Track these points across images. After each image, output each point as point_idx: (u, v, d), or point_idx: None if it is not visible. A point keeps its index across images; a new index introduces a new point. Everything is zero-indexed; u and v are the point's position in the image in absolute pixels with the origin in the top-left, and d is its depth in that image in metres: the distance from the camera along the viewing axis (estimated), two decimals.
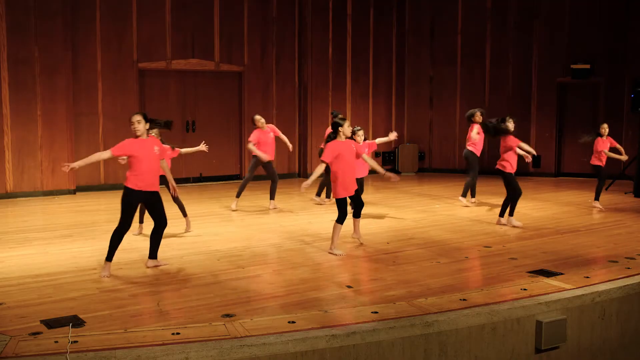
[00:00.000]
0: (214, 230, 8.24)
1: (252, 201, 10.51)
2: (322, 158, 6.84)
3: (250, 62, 13.66)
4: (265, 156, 9.68)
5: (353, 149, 6.99)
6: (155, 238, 6.20)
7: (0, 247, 7.19)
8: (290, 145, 10.41)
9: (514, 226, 8.35)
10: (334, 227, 6.82)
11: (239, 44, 13.51)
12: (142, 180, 5.96)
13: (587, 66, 13.79)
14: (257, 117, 9.88)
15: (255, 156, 9.78)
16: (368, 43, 15.01)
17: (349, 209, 7.11)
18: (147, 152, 6.00)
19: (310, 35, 14.12)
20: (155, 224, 6.19)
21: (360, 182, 8.46)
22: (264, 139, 9.74)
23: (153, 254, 6.25)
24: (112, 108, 12.12)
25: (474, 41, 15.01)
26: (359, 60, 14.89)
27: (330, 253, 6.80)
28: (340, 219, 6.80)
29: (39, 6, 11.13)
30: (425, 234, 7.87)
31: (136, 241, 7.39)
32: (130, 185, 5.92)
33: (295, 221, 8.84)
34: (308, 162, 14.34)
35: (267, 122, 9.69)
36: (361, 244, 7.26)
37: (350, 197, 6.97)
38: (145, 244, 6.62)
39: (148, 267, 6.19)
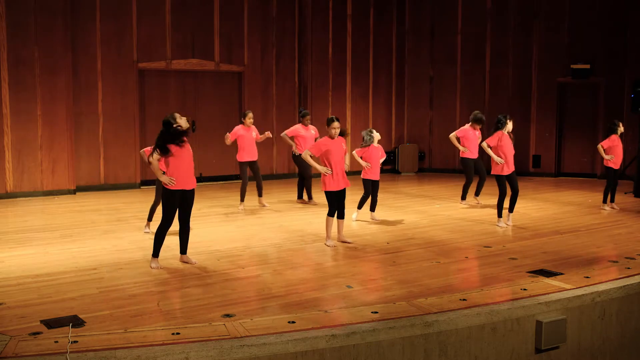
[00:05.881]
0: (214, 230, 8.24)
1: (253, 201, 10.50)
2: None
3: (250, 62, 13.66)
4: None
5: (343, 147, 7.31)
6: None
7: (0, 247, 7.19)
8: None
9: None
10: (326, 220, 7.27)
11: (239, 44, 13.50)
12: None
13: (587, 66, 13.80)
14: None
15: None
16: (368, 43, 15.01)
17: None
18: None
19: (310, 35, 14.12)
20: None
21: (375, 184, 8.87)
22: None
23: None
24: (112, 108, 12.11)
25: (474, 41, 15.00)
26: (359, 60, 14.89)
27: (326, 245, 7.18)
28: (330, 212, 7.22)
29: (39, 6, 11.12)
30: (425, 234, 7.87)
31: (137, 241, 7.40)
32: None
33: (295, 221, 8.84)
34: None
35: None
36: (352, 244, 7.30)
37: (337, 197, 7.23)
38: (148, 243, 6.63)
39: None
